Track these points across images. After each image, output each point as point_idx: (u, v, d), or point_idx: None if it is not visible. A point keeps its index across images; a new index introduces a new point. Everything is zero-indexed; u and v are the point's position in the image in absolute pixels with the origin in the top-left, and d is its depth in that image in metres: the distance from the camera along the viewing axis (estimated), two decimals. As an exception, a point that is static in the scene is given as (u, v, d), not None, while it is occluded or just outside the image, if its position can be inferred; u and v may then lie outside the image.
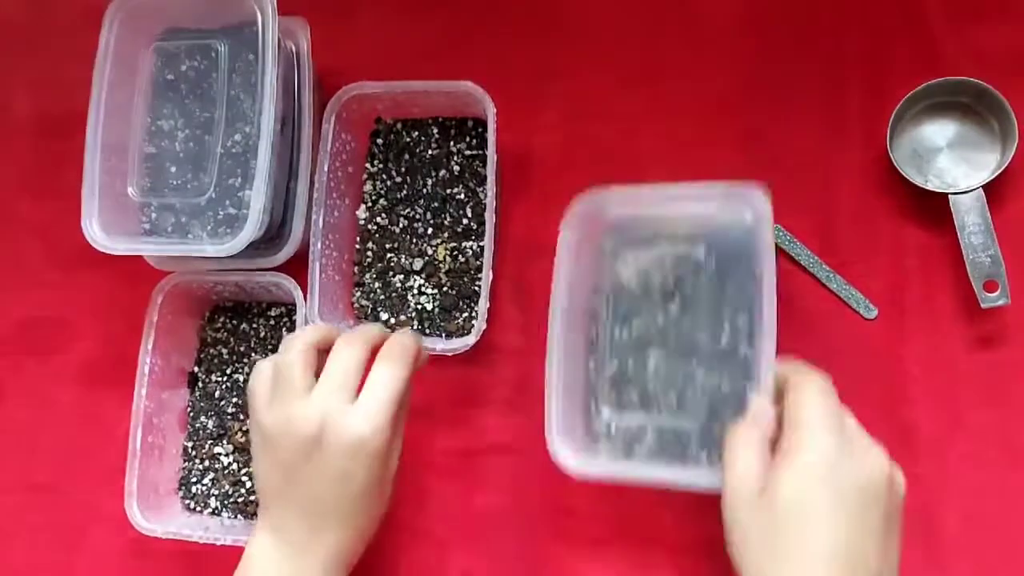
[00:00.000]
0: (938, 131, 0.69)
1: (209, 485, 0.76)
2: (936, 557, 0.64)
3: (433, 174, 0.75)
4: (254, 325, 0.78)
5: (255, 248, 0.73)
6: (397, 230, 0.75)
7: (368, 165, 0.77)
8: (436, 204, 0.74)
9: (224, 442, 0.76)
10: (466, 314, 0.73)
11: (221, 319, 0.79)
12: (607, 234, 0.65)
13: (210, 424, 0.77)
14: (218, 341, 0.79)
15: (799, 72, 0.72)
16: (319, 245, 0.71)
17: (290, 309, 0.77)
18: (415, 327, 0.73)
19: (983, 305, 0.64)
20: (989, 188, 0.65)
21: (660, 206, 0.64)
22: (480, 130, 0.75)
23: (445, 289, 0.73)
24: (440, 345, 0.69)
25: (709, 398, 0.61)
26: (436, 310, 0.73)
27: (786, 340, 0.68)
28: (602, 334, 0.64)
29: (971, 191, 0.65)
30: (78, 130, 0.72)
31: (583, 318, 0.65)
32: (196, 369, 0.79)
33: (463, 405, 0.74)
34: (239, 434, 0.76)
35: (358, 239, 0.76)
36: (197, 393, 0.78)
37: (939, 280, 0.67)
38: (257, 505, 0.74)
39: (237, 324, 0.78)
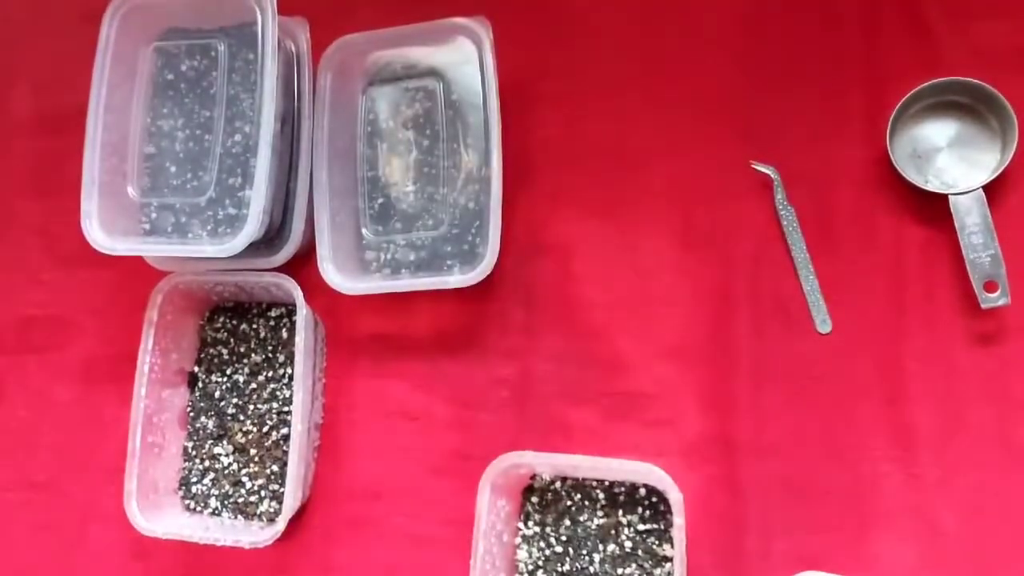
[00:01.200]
0: (938, 131, 0.69)
1: (209, 485, 0.76)
2: (936, 556, 0.64)
3: (600, 548, 0.66)
4: (254, 325, 0.78)
5: (255, 248, 0.73)
6: None
7: (522, 527, 0.68)
8: None
9: (224, 442, 0.76)
10: None
11: (221, 319, 0.79)
12: (360, 78, 0.75)
13: (210, 424, 0.77)
14: (218, 341, 0.79)
15: (799, 71, 0.72)
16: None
17: (290, 309, 0.77)
18: None
19: (983, 305, 0.64)
20: (989, 188, 0.65)
21: (399, 45, 0.73)
22: (655, 499, 0.65)
23: None
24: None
25: (459, 216, 0.71)
26: None
27: (765, 333, 0.69)
28: (364, 172, 0.74)
29: (971, 191, 0.65)
30: (78, 130, 0.72)
31: (348, 160, 0.74)
32: (196, 369, 0.79)
33: (463, 405, 0.74)
34: (239, 434, 0.76)
35: None
36: (197, 393, 0.78)
37: (939, 280, 0.67)
38: (256, 506, 0.74)
39: (237, 324, 0.78)
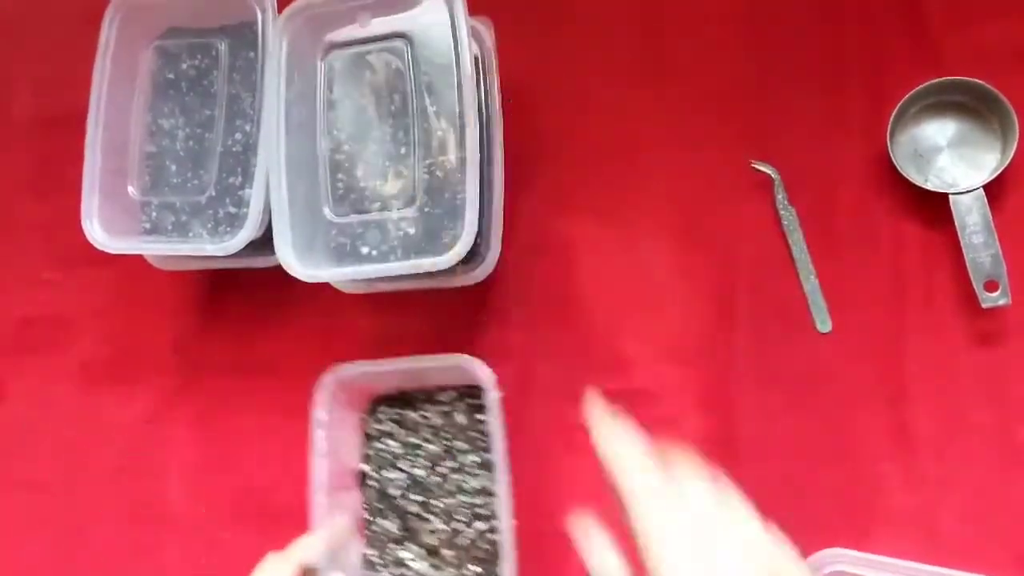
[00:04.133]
0: (938, 130, 0.69)
1: None
2: (936, 556, 0.64)
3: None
4: (424, 412, 0.72)
5: (255, 247, 0.73)
6: None
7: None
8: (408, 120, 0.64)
9: (411, 544, 0.70)
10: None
11: (383, 408, 0.73)
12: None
13: (392, 527, 0.70)
14: (384, 434, 0.72)
15: (799, 71, 0.72)
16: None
17: (462, 392, 0.71)
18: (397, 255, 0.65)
19: (983, 305, 0.64)
20: (989, 187, 0.65)
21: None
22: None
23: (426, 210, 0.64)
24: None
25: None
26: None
27: (765, 333, 0.69)
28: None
29: (971, 191, 0.65)
30: (78, 129, 0.72)
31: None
32: (365, 467, 0.72)
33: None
34: (427, 534, 0.69)
35: None
36: (370, 492, 0.71)
37: (939, 279, 0.67)
38: None
39: (403, 413, 0.72)
